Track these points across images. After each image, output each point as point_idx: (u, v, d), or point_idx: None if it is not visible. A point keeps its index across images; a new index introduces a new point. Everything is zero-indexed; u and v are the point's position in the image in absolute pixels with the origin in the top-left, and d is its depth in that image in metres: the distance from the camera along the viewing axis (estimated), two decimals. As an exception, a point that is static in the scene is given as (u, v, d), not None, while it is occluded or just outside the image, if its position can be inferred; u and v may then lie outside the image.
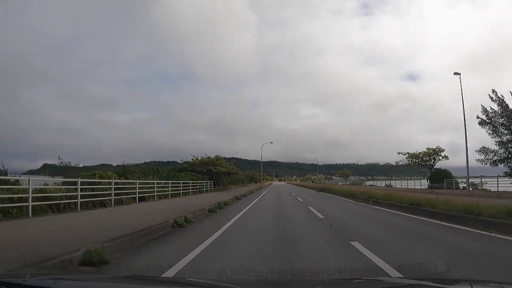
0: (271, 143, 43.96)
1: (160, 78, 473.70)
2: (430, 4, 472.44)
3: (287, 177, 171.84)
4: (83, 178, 11.07)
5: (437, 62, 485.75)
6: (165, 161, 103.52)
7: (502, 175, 25.52)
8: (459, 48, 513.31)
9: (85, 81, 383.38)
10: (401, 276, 3.53)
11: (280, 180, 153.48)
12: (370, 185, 49.43)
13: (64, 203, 9.60)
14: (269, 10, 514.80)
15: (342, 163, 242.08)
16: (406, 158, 46.19)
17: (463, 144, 24.19)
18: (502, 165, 24.89)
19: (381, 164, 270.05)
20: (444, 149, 43.66)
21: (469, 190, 23.47)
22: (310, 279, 3.60)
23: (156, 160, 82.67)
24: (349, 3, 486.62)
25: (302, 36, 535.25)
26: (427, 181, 39.34)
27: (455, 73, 26.49)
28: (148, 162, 74.16)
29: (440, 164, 43.22)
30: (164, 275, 3.57)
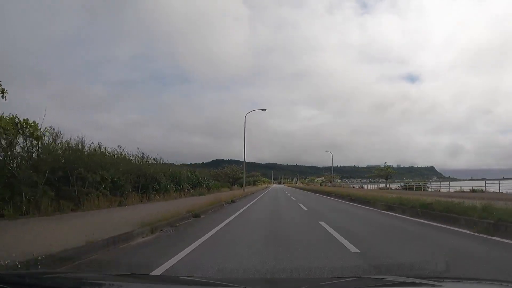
0: (264, 110, 31.43)
1: (155, 78, 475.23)
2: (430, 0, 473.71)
3: (287, 180, 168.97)
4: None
5: (437, 60, 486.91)
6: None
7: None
8: (459, 47, 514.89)
9: (79, 81, 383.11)
10: None
11: (279, 183, 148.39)
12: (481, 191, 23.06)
13: None
14: (265, 8, 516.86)
15: (342, 165, 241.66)
16: None
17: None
18: None
19: (382, 166, 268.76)
20: None
21: None
22: (308, 277, 3.55)
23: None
24: (348, 2, 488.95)
25: (300, 35, 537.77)
26: None
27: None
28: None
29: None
30: None
